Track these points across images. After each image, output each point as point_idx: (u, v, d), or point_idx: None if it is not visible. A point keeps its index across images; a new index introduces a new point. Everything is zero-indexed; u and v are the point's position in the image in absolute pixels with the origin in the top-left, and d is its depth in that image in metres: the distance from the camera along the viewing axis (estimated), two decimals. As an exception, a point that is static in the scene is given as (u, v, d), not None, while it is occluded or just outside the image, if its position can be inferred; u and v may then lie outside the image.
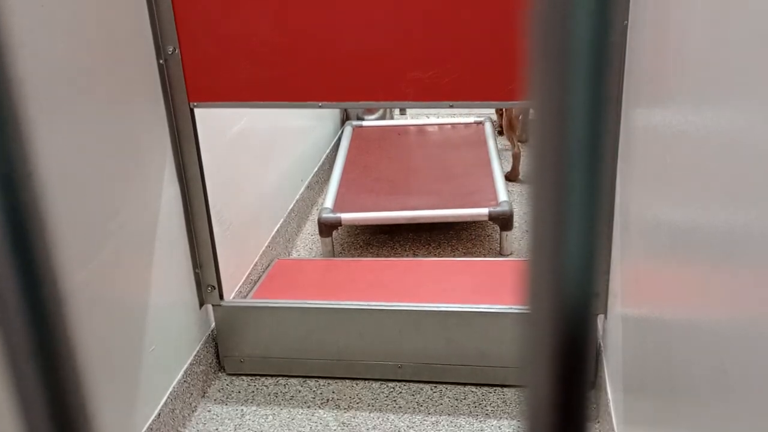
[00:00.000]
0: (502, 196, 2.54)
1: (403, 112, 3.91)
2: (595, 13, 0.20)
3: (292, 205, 2.64)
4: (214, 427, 1.76)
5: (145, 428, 1.59)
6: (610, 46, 0.20)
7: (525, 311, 0.21)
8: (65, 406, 0.23)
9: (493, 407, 1.78)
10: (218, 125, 1.99)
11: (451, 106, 1.58)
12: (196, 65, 1.62)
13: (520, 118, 2.92)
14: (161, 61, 1.62)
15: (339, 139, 3.25)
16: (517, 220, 2.67)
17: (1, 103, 0.21)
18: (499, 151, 3.01)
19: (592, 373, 0.22)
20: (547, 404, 0.22)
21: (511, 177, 3.00)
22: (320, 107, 1.62)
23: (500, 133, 3.29)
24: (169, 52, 1.61)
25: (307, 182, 2.84)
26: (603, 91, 0.20)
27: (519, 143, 2.95)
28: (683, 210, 0.93)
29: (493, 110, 3.39)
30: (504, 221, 2.45)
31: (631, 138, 1.36)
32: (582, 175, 0.21)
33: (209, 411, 1.82)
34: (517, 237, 2.61)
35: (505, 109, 2.88)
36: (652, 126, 1.18)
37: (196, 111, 1.68)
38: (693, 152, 0.89)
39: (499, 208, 2.45)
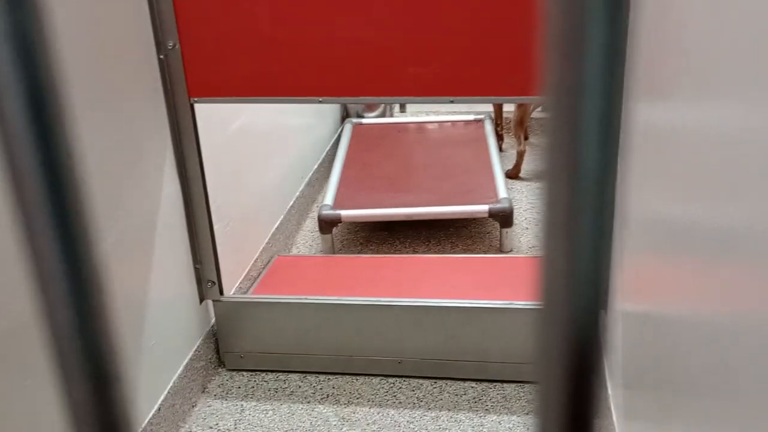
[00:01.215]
0: (502, 193, 2.54)
1: (403, 109, 3.91)
2: (609, 9, 0.20)
3: (292, 202, 2.64)
4: (214, 422, 1.76)
5: (145, 423, 1.59)
6: (624, 40, 0.20)
7: (538, 307, 0.21)
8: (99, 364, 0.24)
9: (493, 403, 1.78)
10: (218, 122, 1.99)
11: (452, 101, 1.58)
12: (196, 60, 1.62)
13: (531, 115, 2.92)
14: (161, 56, 1.62)
15: (339, 137, 3.25)
16: (517, 217, 2.67)
17: (47, 100, 0.21)
18: (498, 148, 3.01)
19: (601, 369, 0.22)
20: (559, 398, 0.22)
21: (511, 175, 3.00)
22: (320, 102, 1.62)
23: (498, 134, 3.29)
24: (169, 47, 1.61)
25: (307, 179, 2.84)
26: (616, 86, 0.20)
27: (525, 141, 2.95)
28: (683, 205, 0.93)
29: (492, 108, 3.38)
30: (504, 218, 2.45)
31: (632, 133, 1.36)
32: (594, 172, 0.21)
33: (209, 406, 1.82)
34: (517, 234, 2.61)
35: (517, 106, 2.88)
36: (652, 121, 1.18)
37: (196, 106, 1.68)
38: (693, 148, 0.89)
39: (499, 205, 2.45)
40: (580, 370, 0.21)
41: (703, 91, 0.85)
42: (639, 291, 1.26)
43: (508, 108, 3.31)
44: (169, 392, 1.69)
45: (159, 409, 1.64)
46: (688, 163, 0.91)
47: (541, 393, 0.22)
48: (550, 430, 0.23)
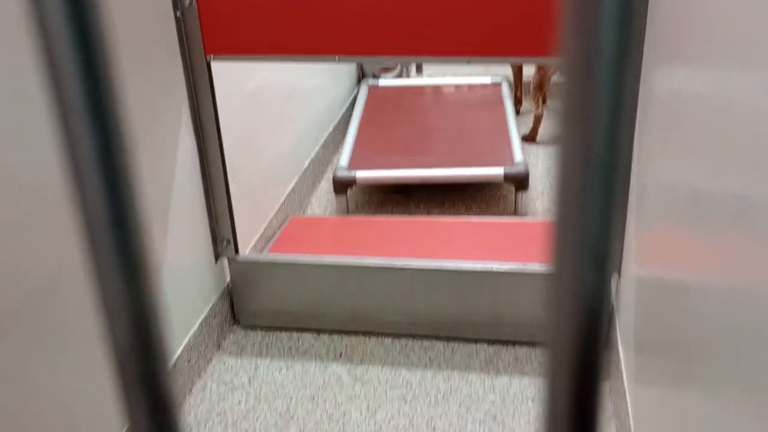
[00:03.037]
0: (518, 156, 2.52)
1: (419, 71, 3.87)
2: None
3: (307, 163, 2.65)
4: (229, 378, 1.80)
5: (162, 378, 1.62)
6: (642, 3, 0.20)
7: (549, 271, 0.22)
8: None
9: (504, 364, 1.80)
10: (234, 82, 1.98)
11: (469, 62, 1.56)
12: (212, 17, 1.61)
13: (552, 79, 2.87)
14: (178, 14, 1.61)
15: (355, 98, 3.23)
16: (533, 181, 2.66)
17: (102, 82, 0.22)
18: (516, 112, 2.98)
19: (608, 331, 0.22)
20: (567, 360, 0.22)
21: (528, 138, 2.98)
22: (337, 61, 1.61)
23: (516, 97, 3.25)
24: (186, 5, 1.60)
25: (322, 141, 2.84)
26: (633, 50, 0.20)
27: (543, 105, 2.92)
28: (700, 173, 0.92)
29: (510, 72, 3.35)
30: (519, 181, 2.44)
31: (651, 99, 1.35)
32: (607, 136, 0.21)
33: (224, 363, 1.85)
34: (533, 198, 2.60)
35: (537, 69, 2.84)
36: (672, 87, 1.16)
37: (213, 65, 1.68)
38: (712, 115, 0.88)
39: (514, 168, 2.44)
40: (588, 332, 0.22)
41: (725, 58, 0.84)
42: (654, 257, 1.26)
43: (528, 71, 3.27)
44: (185, 348, 1.72)
45: (175, 364, 1.67)
46: (708, 130, 0.90)
47: (551, 355, 0.23)
48: (558, 391, 0.23)
